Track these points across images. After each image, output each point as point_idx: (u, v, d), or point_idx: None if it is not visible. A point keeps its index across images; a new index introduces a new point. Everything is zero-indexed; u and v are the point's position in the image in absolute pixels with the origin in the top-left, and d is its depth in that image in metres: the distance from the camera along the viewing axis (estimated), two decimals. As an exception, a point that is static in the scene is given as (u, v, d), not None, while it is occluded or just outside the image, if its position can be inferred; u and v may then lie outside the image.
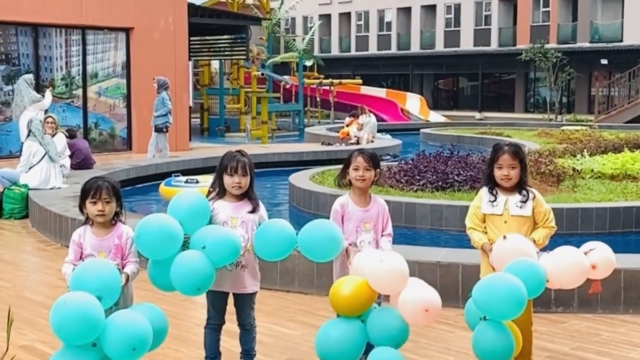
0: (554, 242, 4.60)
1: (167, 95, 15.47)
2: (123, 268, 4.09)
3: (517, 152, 4.44)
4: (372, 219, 4.47)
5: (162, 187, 11.95)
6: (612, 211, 9.52)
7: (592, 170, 12.21)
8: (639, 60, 29.91)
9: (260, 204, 4.44)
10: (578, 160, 13.32)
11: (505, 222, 4.39)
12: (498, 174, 4.41)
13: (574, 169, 12.03)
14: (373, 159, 4.49)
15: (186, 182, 11.62)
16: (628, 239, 9.25)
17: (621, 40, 39.78)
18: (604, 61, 40.35)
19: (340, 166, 4.68)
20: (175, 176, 12.16)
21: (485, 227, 4.48)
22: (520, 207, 4.39)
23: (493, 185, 4.48)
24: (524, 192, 4.42)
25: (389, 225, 4.56)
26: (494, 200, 4.43)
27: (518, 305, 3.82)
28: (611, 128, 25.37)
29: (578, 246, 4.20)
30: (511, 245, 4.14)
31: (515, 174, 4.39)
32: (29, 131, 10.97)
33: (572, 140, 19.16)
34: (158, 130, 15.41)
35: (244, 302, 4.44)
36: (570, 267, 4.05)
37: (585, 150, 14.60)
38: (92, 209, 4.04)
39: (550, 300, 6.01)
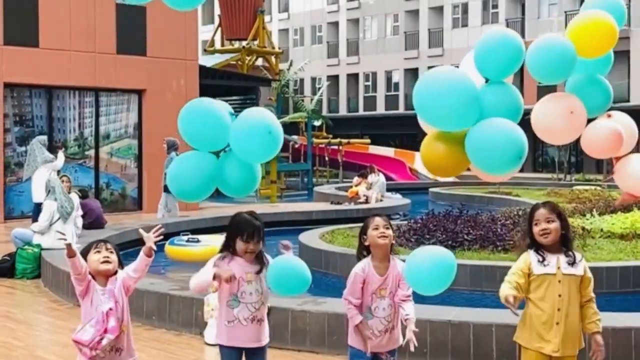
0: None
1: (177, 155, 15.63)
2: (127, 294, 4.18)
3: (554, 206, 4.33)
4: (389, 285, 4.47)
5: (167, 246, 12.06)
6: (622, 270, 9.51)
7: (601, 230, 12.21)
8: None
9: (269, 261, 4.53)
10: (587, 219, 13.32)
11: (560, 281, 4.22)
12: (536, 230, 4.25)
13: (583, 229, 12.03)
14: (385, 217, 4.58)
15: (187, 241, 11.73)
16: (639, 299, 9.22)
17: (628, 101, 40.10)
18: (611, 121, 40.59)
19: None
20: (184, 235, 12.25)
21: (520, 287, 4.25)
22: (572, 265, 4.23)
23: (538, 246, 4.31)
24: (570, 253, 4.26)
25: (405, 285, 4.45)
26: (544, 260, 4.26)
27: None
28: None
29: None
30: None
31: (554, 228, 4.22)
32: (49, 190, 11.07)
33: (581, 200, 19.18)
34: (167, 190, 15.53)
35: (259, 357, 4.46)
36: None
37: (594, 209, 14.61)
38: (96, 257, 4.05)
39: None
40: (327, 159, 34.18)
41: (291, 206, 20.37)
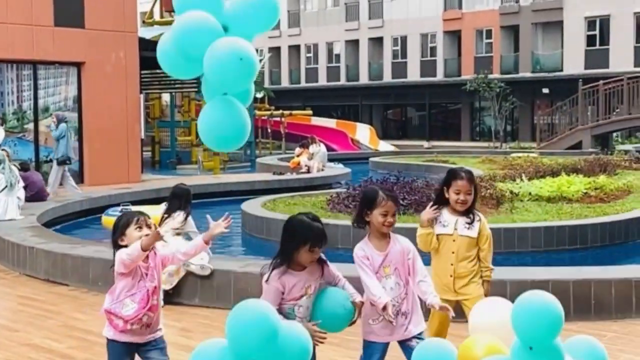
0: (493, 260, 5.00)
1: (66, 125, 15.64)
2: (164, 266, 4.22)
3: (472, 179, 4.82)
4: (392, 262, 4.12)
5: (103, 216, 12.27)
6: (546, 230, 10.08)
7: (530, 193, 12.80)
8: (584, 89, 31.06)
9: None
10: (517, 184, 13.91)
11: (454, 240, 4.78)
12: (455, 197, 4.75)
13: (512, 192, 12.59)
14: (398, 201, 4.32)
15: (121, 211, 11.96)
16: (562, 256, 9.81)
17: (561, 70, 41.22)
18: (546, 90, 41.69)
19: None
20: (123, 205, 12.45)
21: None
22: (468, 228, 4.78)
23: (443, 207, 4.82)
24: (471, 215, 4.80)
25: (417, 266, 4.15)
26: (444, 220, 4.81)
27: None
28: (553, 154, 26.24)
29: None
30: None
31: (471, 199, 4.76)
32: None
33: (513, 166, 19.86)
34: (61, 163, 15.49)
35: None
36: None
37: (523, 174, 15.23)
38: (137, 233, 4.04)
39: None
40: (269, 130, 34.38)
41: (234, 177, 20.60)
